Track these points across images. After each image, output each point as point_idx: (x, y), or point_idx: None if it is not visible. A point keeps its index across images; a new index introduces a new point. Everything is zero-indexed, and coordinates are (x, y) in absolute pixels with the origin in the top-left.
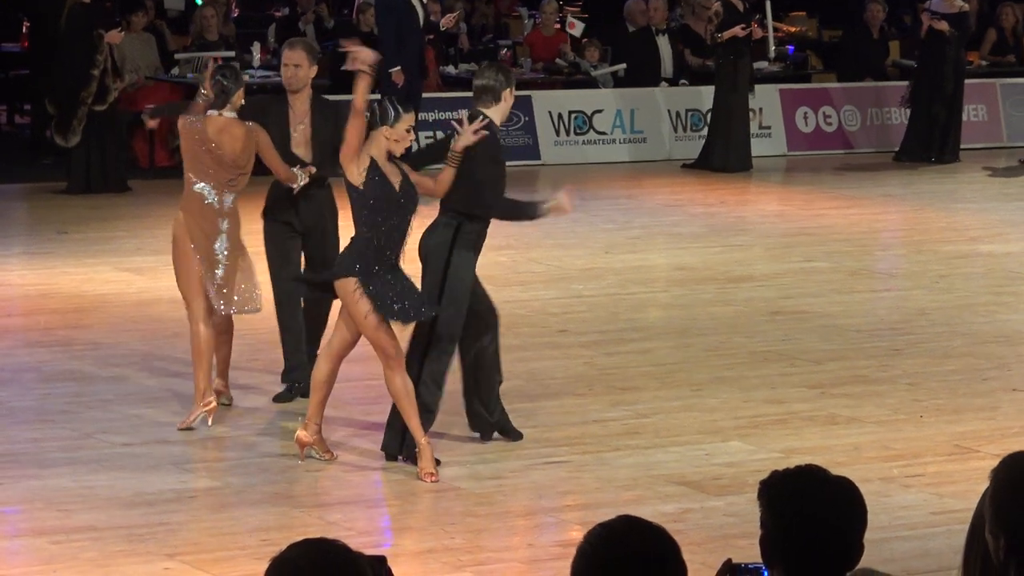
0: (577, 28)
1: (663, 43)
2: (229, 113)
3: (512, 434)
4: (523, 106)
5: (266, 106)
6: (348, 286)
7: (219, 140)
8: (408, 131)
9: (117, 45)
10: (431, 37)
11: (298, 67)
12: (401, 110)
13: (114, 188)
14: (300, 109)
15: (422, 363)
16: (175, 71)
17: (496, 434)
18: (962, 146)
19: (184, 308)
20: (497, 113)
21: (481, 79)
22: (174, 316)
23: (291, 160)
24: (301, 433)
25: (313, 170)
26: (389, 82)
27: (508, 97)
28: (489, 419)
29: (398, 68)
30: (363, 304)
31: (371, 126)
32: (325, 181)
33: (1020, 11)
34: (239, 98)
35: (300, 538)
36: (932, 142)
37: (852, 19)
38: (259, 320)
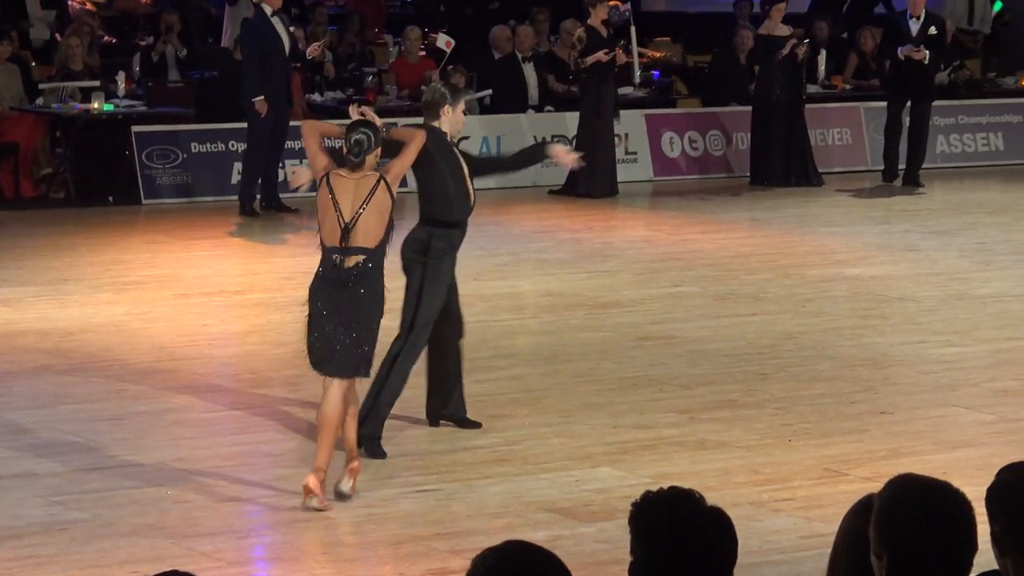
0: (441, 40)
1: (528, 70)
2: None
3: (467, 424)
4: None
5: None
6: None
7: None
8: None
9: None
10: (297, 65)
11: None
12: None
13: None
14: None
15: (393, 363)
16: (40, 101)
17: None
18: (827, 170)
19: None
20: (446, 125)
21: (425, 96)
22: (41, 347)
23: None
24: (312, 480)
25: None
26: (252, 111)
27: (451, 111)
28: (443, 410)
29: (261, 97)
30: None
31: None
32: None
33: (878, 34)
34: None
35: (168, 569)
36: (788, 166)
37: (719, 44)
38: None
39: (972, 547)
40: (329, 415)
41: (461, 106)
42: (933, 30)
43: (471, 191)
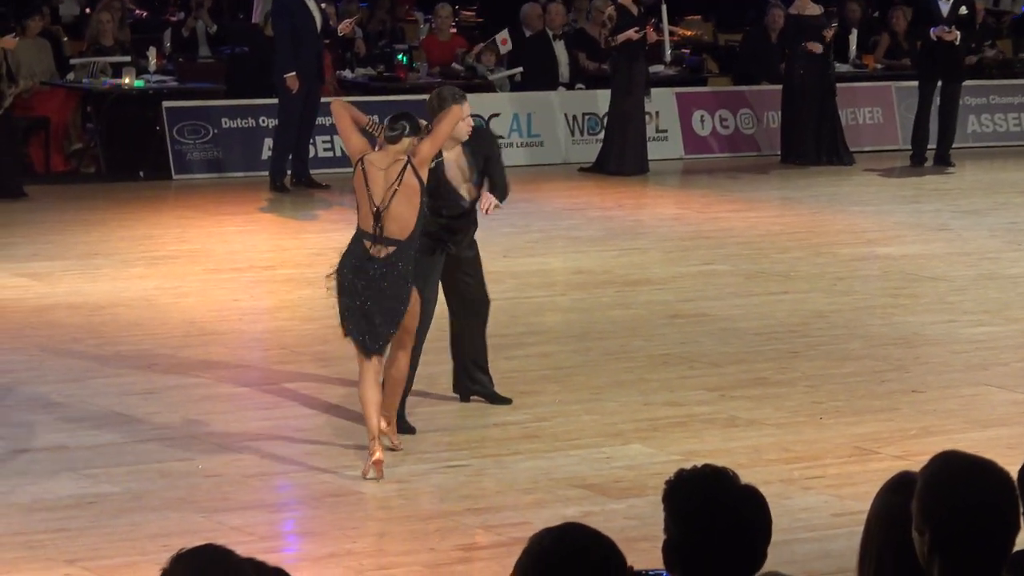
0: (499, 37)
1: (559, 48)
2: None
3: (498, 399)
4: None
5: None
6: None
7: None
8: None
9: (12, 50)
10: (327, 42)
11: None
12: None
13: (10, 194)
14: None
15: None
16: (70, 76)
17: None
18: (858, 149)
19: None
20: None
21: (429, 102)
22: (71, 322)
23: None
24: (379, 452)
25: None
26: (283, 87)
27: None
28: (471, 386)
29: (293, 74)
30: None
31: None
32: None
33: (910, 14)
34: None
35: (200, 543)
36: (819, 145)
37: (751, 23)
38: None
39: (1016, 526)
40: (396, 377)
41: (466, 108)
42: (964, 10)
43: (458, 190)
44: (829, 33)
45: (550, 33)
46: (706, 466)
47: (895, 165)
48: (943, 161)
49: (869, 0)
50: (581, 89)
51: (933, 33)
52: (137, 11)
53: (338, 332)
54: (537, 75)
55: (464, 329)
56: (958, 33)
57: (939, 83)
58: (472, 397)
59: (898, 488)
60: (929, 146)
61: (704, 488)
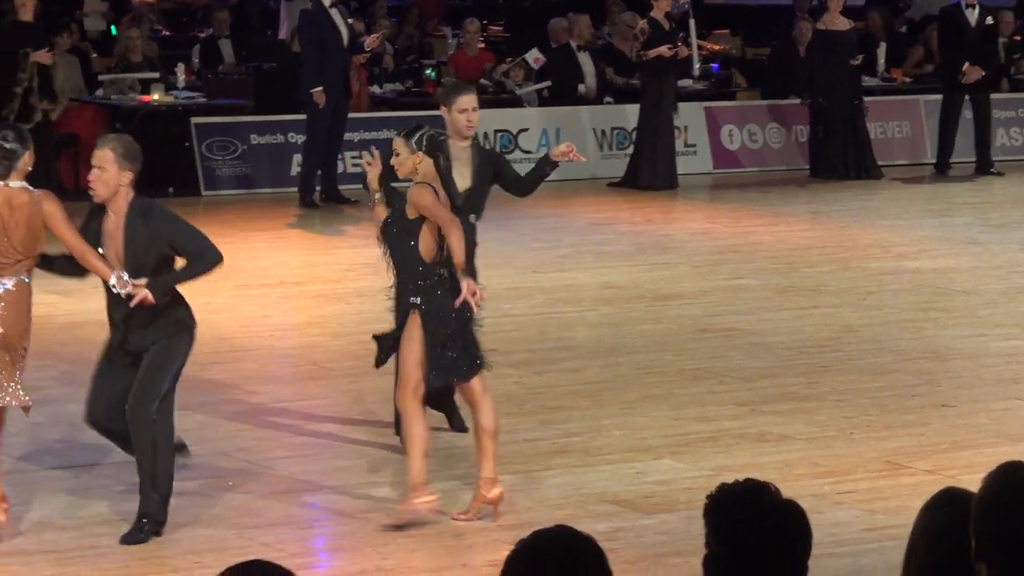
0: (531, 55)
1: (584, 58)
2: (16, 182)
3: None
4: None
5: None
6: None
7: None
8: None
9: (52, 66)
10: (362, 61)
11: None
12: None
13: None
14: None
15: None
16: (99, 92)
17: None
18: (886, 162)
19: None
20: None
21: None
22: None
23: None
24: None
25: (140, 285)
26: (311, 102)
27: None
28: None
29: (319, 88)
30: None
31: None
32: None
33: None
34: (26, 163)
35: (234, 561)
36: (847, 159)
37: (779, 37)
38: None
39: None
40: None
41: (458, 105)
42: (990, 19)
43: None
44: (855, 63)
45: (574, 45)
46: (748, 480)
47: (924, 179)
48: (985, 169)
49: (896, 14)
50: (610, 103)
51: (964, 72)
52: (164, 32)
53: (368, 347)
54: (563, 87)
55: None
56: (983, 73)
57: (967, 96)
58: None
59: (942, 505)
60: (960, 159)
61: (746, 502)
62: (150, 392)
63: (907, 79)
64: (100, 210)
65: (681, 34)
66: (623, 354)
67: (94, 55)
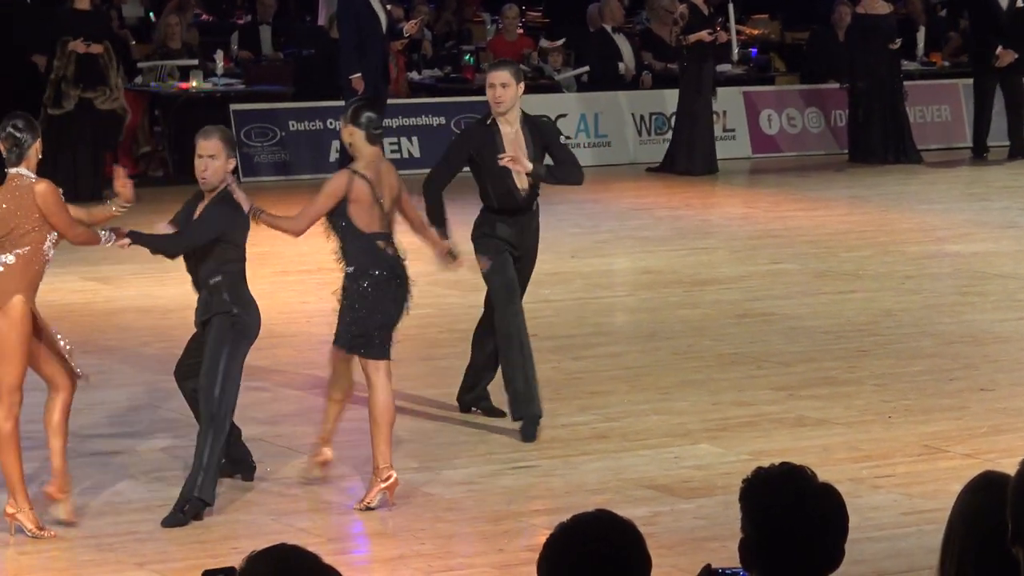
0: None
1: (620, 40)
2: (24, 170)
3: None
4: None
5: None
6: None
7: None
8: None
9: (104, 54)
10: (400, 48)
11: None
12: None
13: (85, 196)
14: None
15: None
16: (138, 79)
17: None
18: (926, 147)
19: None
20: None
21: None
22: (141, 325)
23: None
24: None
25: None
26: (350, 88)
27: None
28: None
29: (358, 75)
30: None
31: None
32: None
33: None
34: (36, 151)
35: (268, 545)
36: (886, 143)
37: (818, 21)
38: None
39: None
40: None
41: (487, 81)
42: (1021, 2)
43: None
44: (894, 47)
45: (608, 28)
46: (784, 464)
47: (963, 163)
48: (1020, 153)
49: None
50: (648, 76)
51: (998, 55)
52: (204, 16)
53: (404, 332)
54: (602, 71)
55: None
56: (1015, 56)
57: (998, 80)
58: (473, 409)
59: (981, 488)
60: (998, 142)
61: (782, 486)
62: (211, 367)
63: (945, 63)
64: (196, 199)
65: (720, 19)
66: (661, 339)
67: (133, 42)
